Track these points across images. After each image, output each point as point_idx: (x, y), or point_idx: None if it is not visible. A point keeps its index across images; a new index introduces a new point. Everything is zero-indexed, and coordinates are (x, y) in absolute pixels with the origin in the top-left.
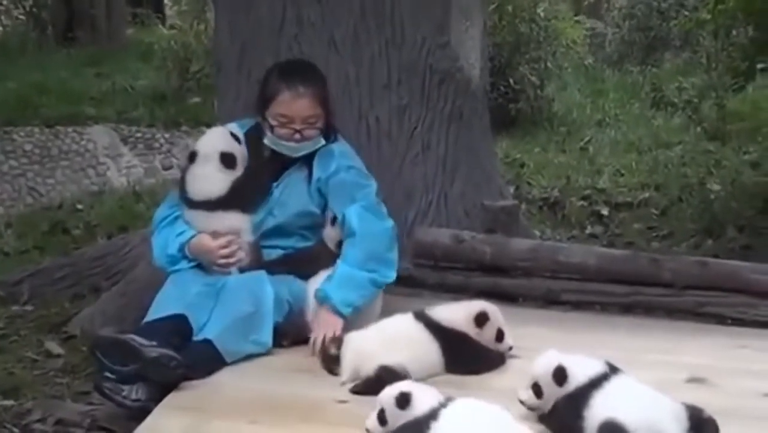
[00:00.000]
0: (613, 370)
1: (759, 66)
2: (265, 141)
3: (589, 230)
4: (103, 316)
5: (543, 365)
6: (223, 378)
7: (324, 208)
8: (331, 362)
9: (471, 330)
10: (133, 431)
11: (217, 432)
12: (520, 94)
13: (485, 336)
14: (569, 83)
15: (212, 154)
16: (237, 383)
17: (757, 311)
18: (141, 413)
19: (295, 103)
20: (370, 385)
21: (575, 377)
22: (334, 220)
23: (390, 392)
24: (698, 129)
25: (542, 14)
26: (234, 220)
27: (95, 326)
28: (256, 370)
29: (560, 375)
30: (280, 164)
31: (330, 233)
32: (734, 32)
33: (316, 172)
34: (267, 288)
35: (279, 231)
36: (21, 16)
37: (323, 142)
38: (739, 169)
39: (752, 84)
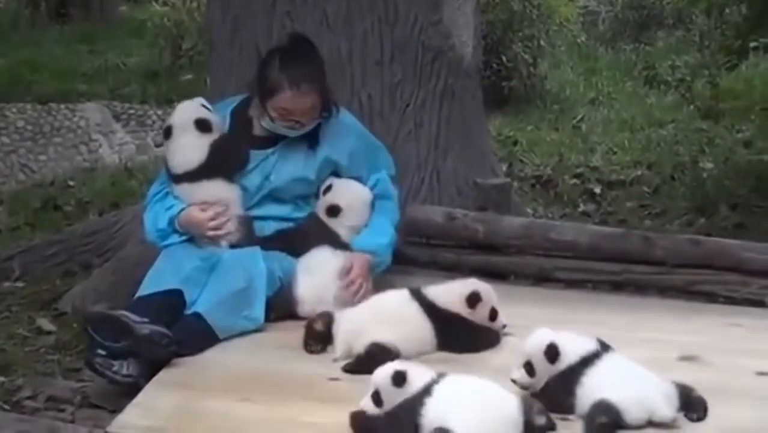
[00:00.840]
0: (605, 348)
1: (752, 44)
2: (263, 124)
3: (581, 207)
4: (95, 293)
5: (535, 343)
6: (214, 355)
7: (324, 177)
8: (312, 338)
9: (464, 310)
10: (124, 407)
11: (208, 410)
12: (513, 72)
13: (478, 316)
14: (562, 61)
15: (187, 124)
16: (228, 360)
17: (749, 289)
18: (132, 389)
19: (297, 101)
20: (362, 362)
21: (567, 354)
22: (326, 190)
23: (384, 371)
24: (691, 107)
25: None
26: (219, 188)
27: (86, 303)
28: (247, 347)
29: (552, 352)
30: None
31: (321, 203)
32: (727, 10)
33: (326, 145)
34: (260, 264)
35: (274, 198)
36: None
37: (318, 120)
38: (732, 148)
39: (745, 62)
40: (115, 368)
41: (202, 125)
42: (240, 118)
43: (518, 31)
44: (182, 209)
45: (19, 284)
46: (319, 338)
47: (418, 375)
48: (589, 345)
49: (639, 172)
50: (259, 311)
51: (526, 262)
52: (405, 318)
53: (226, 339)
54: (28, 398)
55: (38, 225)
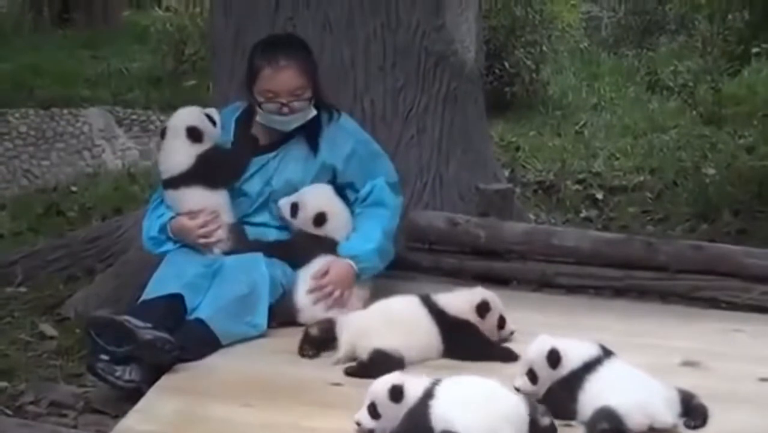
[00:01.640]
0: (607, 353)
1: (754, 50)
2: (258, 119)
3: (583, 213)
4: (97, 298)
5: (536, 350)
6: (216, 360)
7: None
8: (308, 342)
9: (474, 318)
10: (126, 413)
11: (210, 414)
12: (516, 78)
13: (487, 325)
14: (565, 67)
15: (180, 129)
16: (230, 366)
17: (751, 295)
18: (134, 394)
19: (277, 77)
20: (365, 369)
21: (569, 360)
22: (294, 208)
23: (381, 385)
24: (693, 113)
25: None
26: (201, 197)
27: (89, 308)
28: (249, 352)
29: (554, 357)
30: (278, 138)
31: (302, 220)
32: (730, 16)
33: (326, 150)
34: (263, 270)
35: (270, 204)
36: None
37: (314, 112)
38: (734, 154)
39: (747, 68)
40: (117, 373)
41: (193, 133)
42: (243, 125)
43: (521, 37)
44: (172, 217)
45: (22, 289)
46: (314, 343)
47: (415, 388)
48: (592, 350)
49: (641, 178)
50: (261, 318)
51: (528, 267)
52: (413, 324)
53: (227, 344)
54: (31, 403)
55: (41, 230)
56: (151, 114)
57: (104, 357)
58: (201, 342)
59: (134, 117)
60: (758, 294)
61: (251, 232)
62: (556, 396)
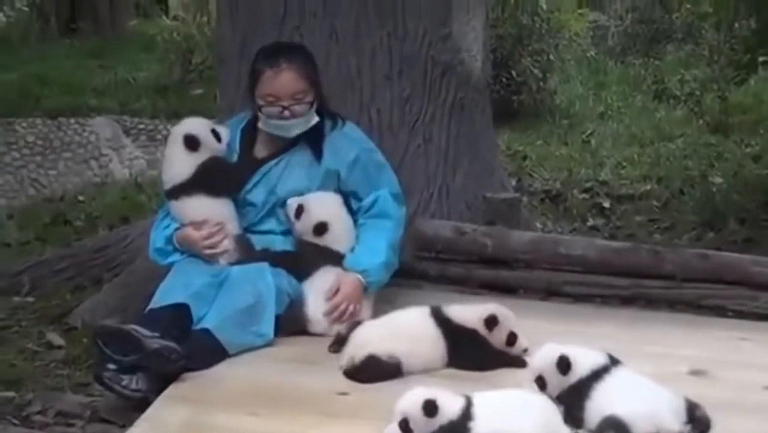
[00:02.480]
0: (614, 362)
1: (761, 59)
2: (260, 125)
3: (590, 222)
4: (105, 307)
5: (545, 357)
6: (223, 369)
7: (327, 191)
8: (337, 342)
9: (482, 331)
10: (133, 422)
11: (217, 424)
12: (523, 87)
13: (495, 339)
14: (572, 76)
15: (177, 137)
16: (237, 374)
17: (758, 303)
18: (141, 403)
19: (277, 80)
20: (354, 372)
21: (578, 367)
22: (299, 211)
23: (413, 400)
24: (700, 122)
25: (545, 6)
26: (203, 206)
27: (96, 318)
28: (256, 361)
29: (564, 364)
30: (281, 146)
31: (302, 228)
32: (736, 25)
33: (329, 157)
34: (269, 279)
35: (275, 212)
36: (24, 7)
37: (316, 118)
38: (741, 162)
39: (754, 76)
40: (124, 383)
41: (189, 142)
42: (248, 135)
43: (527, 46)
44: (177, 228)
45: (30, 299)
46: (341, 341)
47: (448, 403)
48: (599, 359)
49: (648, 187)
50: (268, 328)
51: (535, 276)
52: (418, 334)
53: (234, 354)
54: (38, 412)
55: (48, 240)
56: (159, 123)
57: (111, 366)
58: (208, 352)
59: (141, 126)
60: (765, 302)
61: (257, 240)
62: (565, 403)
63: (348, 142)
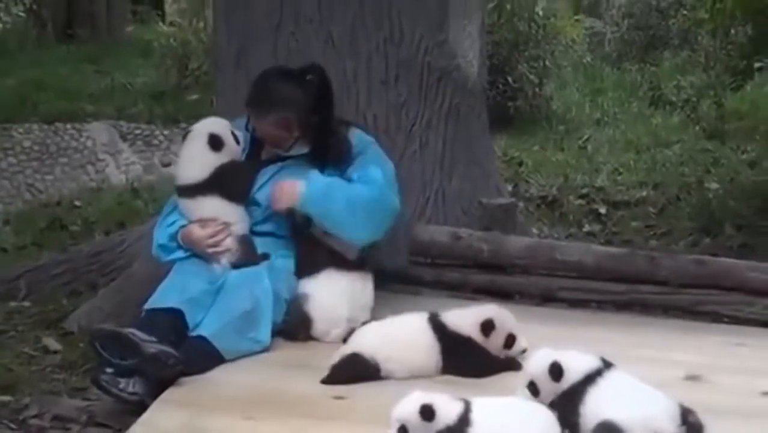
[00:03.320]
0: (607, 365)
1: (757, 65)
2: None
3: (587, 228)
4: (101, 312)
5: (538, 363)
6: (219, 374)
7: None
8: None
9: (477, 336)
10: (129, 426)
11: (213, 428)
12: (519, 93)
13: (492, 343)
14: (568, 82)
15: (201, 135)
16: (233, 379)
17: (753, 309)
18: (137, 407)
19: (257, 123)
20: (334, 370)
21: (571, 372)
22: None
23: (410, 406)
24: (697, 128)
25: (541, 12)
26: (216, 206)
27: (93, 323)
28: (252, 366)
29: (556, 370)
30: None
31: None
32: (733, 31)
33: (332, 164)
34: (266, 284)
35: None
36: (21, 13)
37: (305, 150)
38: (737, 168)
39: (750, 83)
40: (121, 386)
41: (214, 142)
42: (254, 138)
43: (524, 52)
44: (183, 226)
45: (26, 304)
46: None
47: (445, 407)
48: (592, 363)
49: (644, 193)
50: (265, 334)
51: (531, 282)
52: (412, 339)
53: (231, 358)
54: (35, 416)
55: (44, 245)
56: (155, 129)
57: (108, 370)
58: (204, 358)
59: (138, 132)
60: (761, 308)
61: (259, 242)
62: (558, 409)
63: (351, 151)
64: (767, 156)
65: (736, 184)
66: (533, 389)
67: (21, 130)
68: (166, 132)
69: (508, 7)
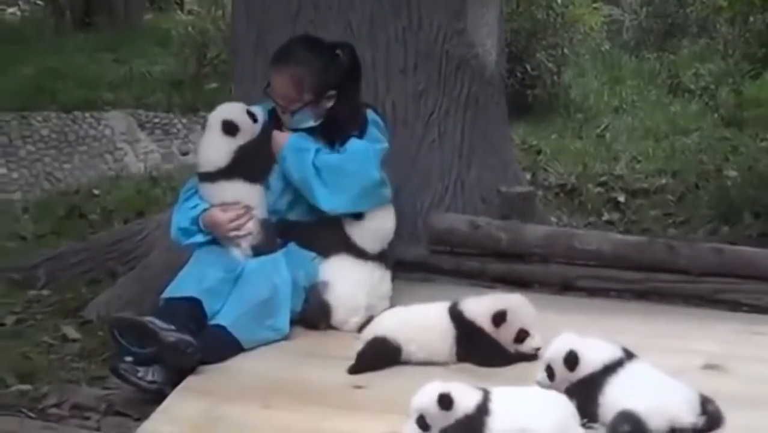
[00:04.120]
0: (628, 355)
1: None
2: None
3: (605, 216)
4: (120, 301)
5: (557, 348)
6: (238, 362)
7: None
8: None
9: (488, 327)
10: (148, 415)
11: (232, 416)
12: (537, 81)
13: (502, 336)
14: (586, 70)
15: (216, 122)
16: (252, 368)
17: None
18: (156, 396)
19: (273, 77)
20: (361, 358)
21: (589, 361)
22: None
23: (428, 396)
24: (715, 116)
25: (559, 0)
26: (238, 189)
27: (112, 311)
28: (271, 354)
29: (571, 360)
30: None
31: None
32: (751, 19)
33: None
34: (284, 273)
35: (298, 196)
36: (39, 2)
37: (310, 122)
38: (755, 156)
39: None
40: (140, 374)
41: (228, 127)
42: (273, 120)
43: (542, 40)
44: (205, 209)
45: (45, 292)
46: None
47: (462, 395)
48: (612, 352)
49: (663, 181)
50: (283, 322)
51: (549, 270)
52: (429, 325)
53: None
54: (54, 405)
55: (63, 233)
56: (173, 117)
57: (127, 358)
58: (223, 346)
59: (156, 120)
60: None
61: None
62: (575, 396)
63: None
64: None
65: (754, 172)
66: (549, 372)
67: (39, 118)
68: (184, 120)
69: None
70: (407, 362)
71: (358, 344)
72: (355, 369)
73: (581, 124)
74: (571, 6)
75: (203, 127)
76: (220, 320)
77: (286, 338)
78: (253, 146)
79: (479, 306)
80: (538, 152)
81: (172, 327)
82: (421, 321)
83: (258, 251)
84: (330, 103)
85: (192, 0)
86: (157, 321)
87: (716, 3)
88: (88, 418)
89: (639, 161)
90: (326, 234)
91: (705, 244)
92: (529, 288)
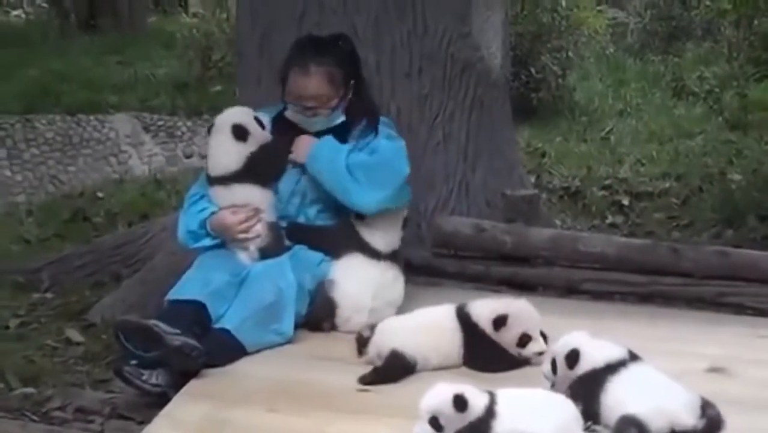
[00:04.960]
0: (633, 357)
1: None
2: (286, 114)
3: (609, 219)
4: (124, 304)
5: (563, 343)
6: (242, 366)
7: None
8: (362, 345)
9: (489, 330)
10: (152, 418)
11: (236, 420)
12: (542, 84)
13: (503, 339)
14: (591, 73)
15: (225, 126)
16: (256, 371)
17: None
18: (160, 399)
19: (302, 82)
20: (379, 372)
21: (591, 359)
22: None
23: (442, 397)
24: (719, 119)
25: (564, 4)
26: (250, 193)
27: (116, 314)
28: (276, 358)
29: (572, 357)
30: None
31: None
32: (756, 22)
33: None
34: (289, 276)
35: (308, 200)
36: (43, 4)
37: (341, 118)
38: (760, 159)
39: None
40: (144, 377)
41: (238, 132)
42: (280, 124)
43: (547, 43)
44: (213, 213)
45: (49, 295)
46: (364, 342)
47: (475, 397)
48: (617, 353)
49: (667, 184)
50: (288, 326)
51: (554, 273)
52: (438, 330)
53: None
54: (57, 409)
55: (67, 236)
56: (178, 120)
57: (132, 362)
58: (227, 350)
59: (161, 123)
60: None
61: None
62: (577, 394)
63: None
64: None
65: (759, 175)
66: (553, 366)
67: (44, 121)
68: (188, 123)
69: None
70: (422, 370)
71: (370, 353)
72: (370, 381)
73: (586, 127)
74: (576, 9)
75: (208, 131)
76: (225, 323)
77: (290, 341)
78: (265, 152)
79: (484, 309)
80: (543, 155)
81: (177, 331)
82: (432, 327)
83: (265, 253)
84: (350, 95)
85: (196, 3)
86: (162, 324)
87: (721, 6)
88: (91, 421)
89: (643, 164)
90: (338, 235)
91: (709, 247)
92: (534, 291)
